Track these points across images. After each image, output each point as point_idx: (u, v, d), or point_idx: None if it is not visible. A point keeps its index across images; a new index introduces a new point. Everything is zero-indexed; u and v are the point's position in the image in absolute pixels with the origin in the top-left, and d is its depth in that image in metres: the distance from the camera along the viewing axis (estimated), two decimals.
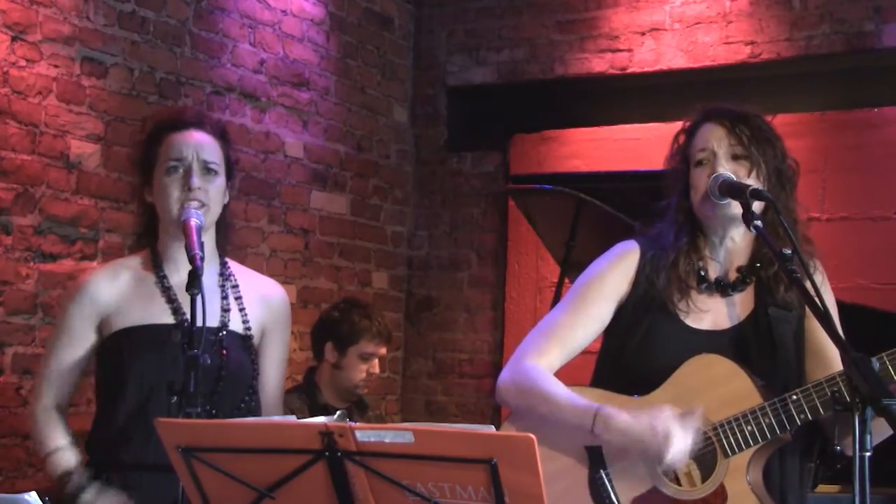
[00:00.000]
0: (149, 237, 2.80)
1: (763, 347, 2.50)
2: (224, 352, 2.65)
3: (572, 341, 2.56)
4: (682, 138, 2.60)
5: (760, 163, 2.50)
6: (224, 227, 2.83)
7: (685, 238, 2.55)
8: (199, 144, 2.70)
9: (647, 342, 2.52)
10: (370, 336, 4.15)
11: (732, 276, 2.57)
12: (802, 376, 2.50)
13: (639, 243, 2.61)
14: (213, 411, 2.57)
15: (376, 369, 4.22)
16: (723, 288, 2.56)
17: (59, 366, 2.73)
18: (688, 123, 2.61)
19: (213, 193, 2.68)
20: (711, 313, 2.55)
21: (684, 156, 2.57)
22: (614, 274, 2.58)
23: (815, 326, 2.51)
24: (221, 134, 2.79)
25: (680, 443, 2.30)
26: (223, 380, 2.63)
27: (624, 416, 2.36)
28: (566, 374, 2.57)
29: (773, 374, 2.45)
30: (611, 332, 2.60)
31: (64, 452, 2.69)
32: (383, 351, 4.25)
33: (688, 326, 2.52)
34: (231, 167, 2.79)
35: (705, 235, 2.56)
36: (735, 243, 2.56)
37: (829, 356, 2.48)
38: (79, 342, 2.72)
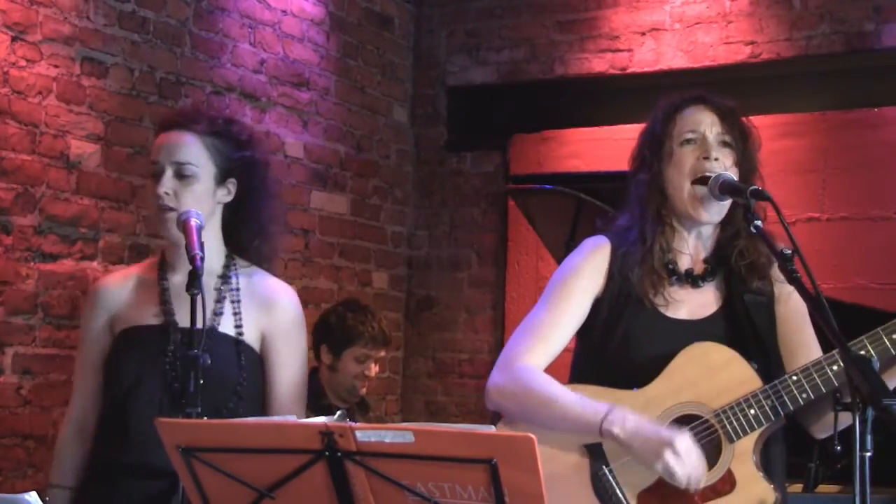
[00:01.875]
0: None
1: (742, 333, 2.50)
2: (208, 352, 2.59)
3: (557, 339, 2.55)
4: (660, 117, 2.57)
5: (742, 156, 2.52)
6: (239, 227, 2.74)
7: (655, 229, 2.54)
8: (174, 145, 2.63)
9: (630, 336, 2.51)
10: (364, 340, 4.12)
11: (700, 267, 2.58)
12: (781, 360, 2.52)
13: (608, 238, 2.60)
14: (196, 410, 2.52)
15: (372, 372, 4.18)
16: (693, 279, 2.56)
17: (84, 374, 2.74)
18: (665, 102, 2.59)
19: (186, 198, 2.59)
20: (686, 303, 2.55)
21: (665, 134, 2.54)
22: (589, 269, 2.57)
23: (784, 313, 2.54)
24: (219, 132, 2.69)
25: (692, 465, 2.31)
26: (202, 379, 2.57)
27: (642, 421, 2.35)
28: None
29: (753, 357, 2.45)
30: (588, 329, 2.57)
31: (56, 493, 2.67)
32: (380, 353, 4.22)
33: (667, 317, 2.52)
34: (232, 164, 2.68)
35: (673, 226, 2.56)
36: (701, 235, 2.58)
37: (796, 340, 2.53)
38: (97, 345, 2.71)
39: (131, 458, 2.55)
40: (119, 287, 2.73)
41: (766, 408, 2.37)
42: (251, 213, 2.75)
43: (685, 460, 2.31)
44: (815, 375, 2.35)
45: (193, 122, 2.68)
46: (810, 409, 2.44)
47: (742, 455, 2.38)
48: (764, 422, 2.37)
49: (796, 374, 2.37)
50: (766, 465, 2.45)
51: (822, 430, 2.53)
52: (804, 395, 2.36)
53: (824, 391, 2.34)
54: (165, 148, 2.64)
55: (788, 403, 2.36)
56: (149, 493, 2.52)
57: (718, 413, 2.39)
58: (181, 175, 2.62)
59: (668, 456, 2.30)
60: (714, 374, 2.41)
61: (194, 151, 2.64)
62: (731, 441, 2.38)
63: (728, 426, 2.38)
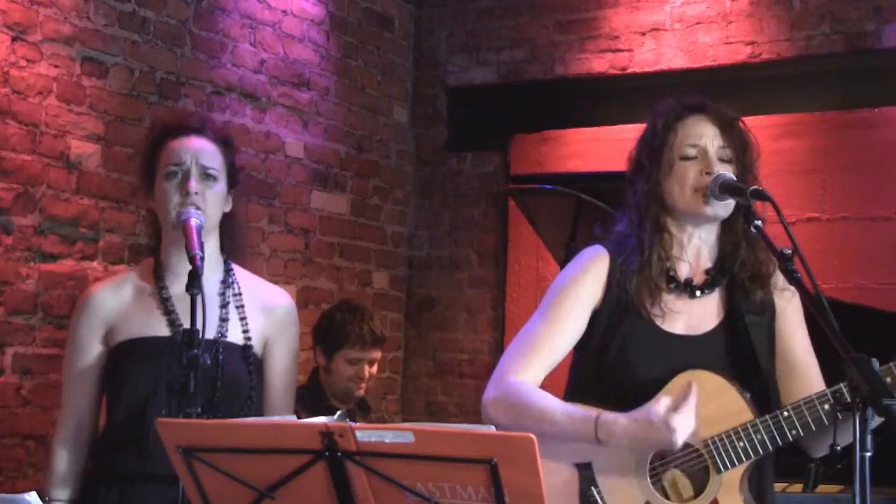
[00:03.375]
0: (156, 245, 2.77)
1: (740, 353, 2.49)
2: (220, 362, 2.61)
3: (553, 353, 2.52)
4: (660, 125, 2.54)
5: (742, 169, 2.51)
6: (230, 234, 2.79)
7: (654, 237, 2.51)
8: (199, 150, 2.67)
9: (626, 349, 2.49)
10: (352, 342, 4.05)
11: (700, 277, 2.55)
12: (776, 381, 2.51)
13: (606, 248, 2.57)
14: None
15: (366, 373, 4.10)
16: (691, 289, 2.54)
17: (76, 384, 2.70)
18: (664, 108, 2.56)
19: (210, 199, 2.64)
20: (684, 315, 2.52)
21: (664, 143, 2.51)
22: (587, 280, 2.54)
23: (783, 329, 2.54)
24: (224, 140, 2.76)
25: (684, 421, 2.30)
26: (219, 390, 2.59)
27: (623, 417, 2.35)
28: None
29: (748, 379, 2.45)
30: (586, 340, 2.54)
31: None
32: (373, 355, 4.13)
33: (664, 331, 2.50)
34: (234, 174, 2.75)
35: (672, 234, 2.54)
36: (702, 241, 2.55)
37: (797, 359, 2.53)
38: (89, 355, 2.69)
39: (150, 468, 2.55)
40: (113, 296, 2.71)
41: (756, 442, 2.36)
42: (235, 221, 2.81)
43: (688, 429, 2.30)
44: (807, 413, 2.35)
45: (210, 130, 2.74)
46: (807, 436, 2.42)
47: (729, 486, 2.38)
48: (752, 455, 2.37)
49: (788, 411, 2.36)
50: (759, 484, 2.45)
51: (818, 451, 2.52)
52: (794, 432, 2.36)
53: (814, 430, 2.35)
54: (189, 151, 2.66)
55: (778, 439, 2.36)
56: (164, 499, 2.50)
57: (708, 443, 2.38)
58: (206, 177, 2.65)
59: (677, 444, 2.30)
60: (706, 402, 2.39)
61: (217, 158, 2.70)
62: (719, 472, 2.38)
63: (717, 456, 2.37)
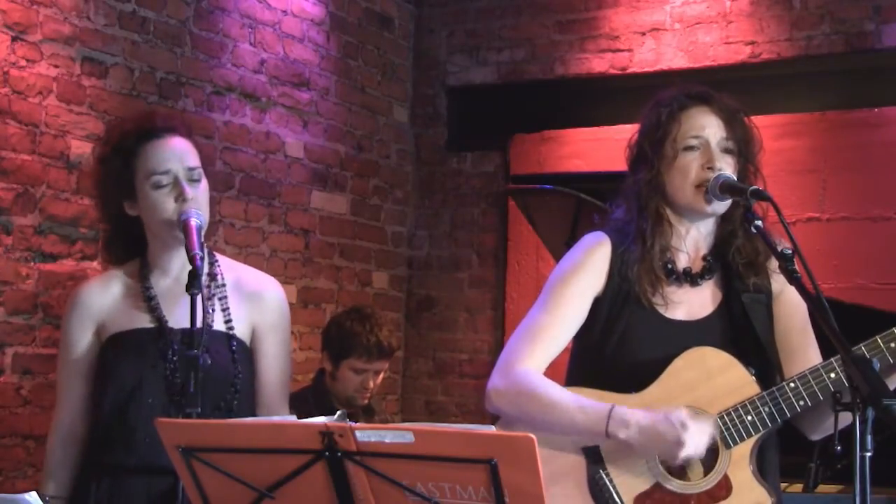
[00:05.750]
0: (122, 251, 2.75)
1: (740, 335, 2.50)
2: (206, 351, 2.60)
3: (556, 341, 2.53)
4: (664, 115, 2.53)
5: (745, 163, 2.52)
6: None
7: (653, 227, 2.52)
8: (182, 152, 2.64)
9: (628, 337, 2.50)
10: (359, 352, 4.01)
11: (698, 265, 2.57)
12: (779, 361, 2.52)
13: (608, 235, 2.58)
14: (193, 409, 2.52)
15: (370, 384, 4.06)
16: (691, 278, 2.55)
17: (69, 381, 2.71)
18: (668, 98, 2.56)
19: (203, 201, 2.63)
20: (684, 304, 2.54)
21: (667, 133, 2.51)
22: (589, 268, 2.55)
23: (781, 312, 2.55)
24: (191, 132, 2.74)
25: (698, 433, 2.30)
26: (203, 377, 2.59)
27: (640, 412, 2.35)
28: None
29: (751, 357, 2.46)
30: (588, 328, 2.55)
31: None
32: (379, 366, 4.08)
33: (666, 318, 2.51)
34: (205, 163, 2.73)
35: (671, 224, 2.55)
36: (699, 232, 2.57)
37: (796, 339, 2.53)
38: (82, 351, 2.70)
39: (136, 459, 2.56)
40: (102, 293, 2.71)
41: (764, 414, 2.37)
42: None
43: (698, 445, 2.30)
44: (813, 383, 2.35)
45: (180, 126, 2.71)
46: (805, 413, 2.43)
47: (739, 461, 2.38)
48: (761, 428, 2.37)
49: (794, 381, 2.37)
50: (761, 467, 2.45)
51: (817, 432, 2.53)
52: (801, 403, 2.36)
53: (822, 399, 2.35)
54: (174, 156, 2.63)
55: (786, 410, 2.37)
56: (153, 491, 2.54)
57: (716, 418, 2.39)
58: (193, 180, 2.63)
59: (682, 454, 2.30)
60: (712, 378, 2.41)
61: (195, 155, 2.68)
62: (728, 447, 2.38)
63: (725, 432, 2.38)
